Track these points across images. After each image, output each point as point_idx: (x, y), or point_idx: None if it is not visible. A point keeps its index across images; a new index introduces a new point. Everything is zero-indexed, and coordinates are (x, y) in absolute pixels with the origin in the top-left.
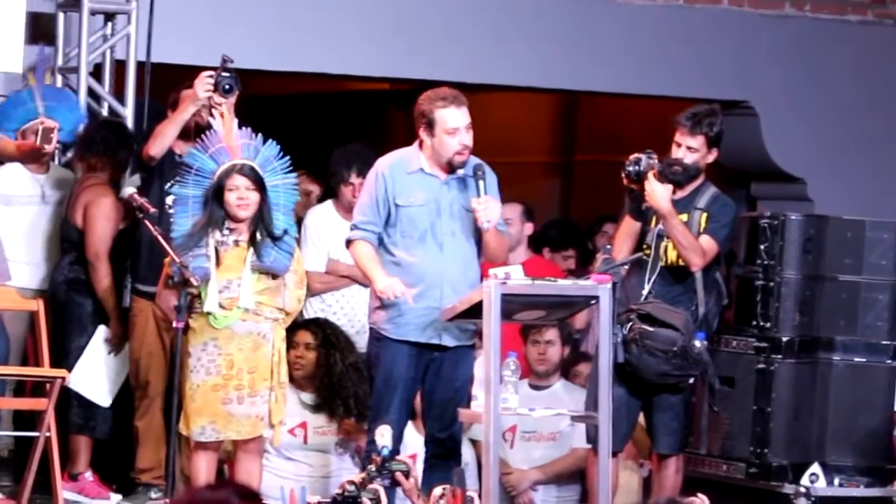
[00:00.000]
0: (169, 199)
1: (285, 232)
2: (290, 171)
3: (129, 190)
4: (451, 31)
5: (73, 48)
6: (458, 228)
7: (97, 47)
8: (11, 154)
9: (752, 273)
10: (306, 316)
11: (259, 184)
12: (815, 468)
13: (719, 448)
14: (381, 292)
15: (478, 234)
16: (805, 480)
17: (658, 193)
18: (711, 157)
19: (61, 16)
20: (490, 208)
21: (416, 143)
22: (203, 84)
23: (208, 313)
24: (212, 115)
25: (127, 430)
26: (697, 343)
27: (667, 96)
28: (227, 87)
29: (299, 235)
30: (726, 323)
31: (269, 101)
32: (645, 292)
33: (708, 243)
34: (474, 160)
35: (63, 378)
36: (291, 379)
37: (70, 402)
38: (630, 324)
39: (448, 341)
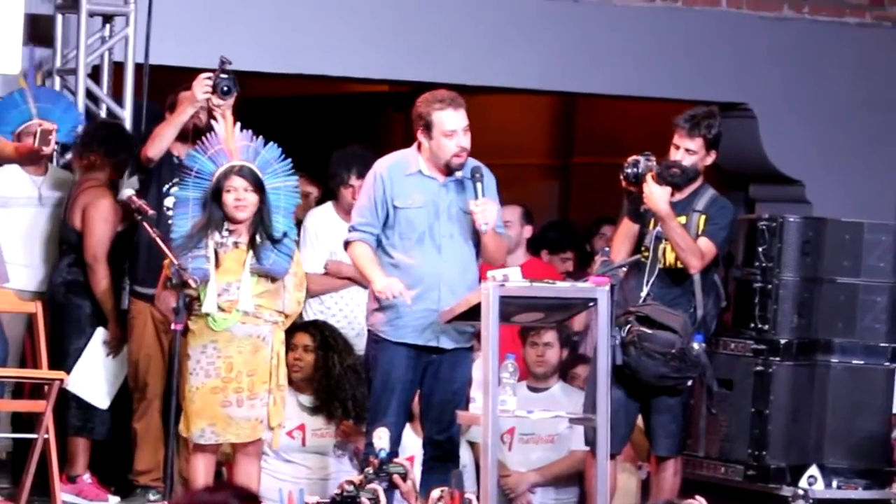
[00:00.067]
0: (169, 202)
1: (285, 235)
2: (292, 174)
3: (127, 192)
4: (450, 34)
5: (71, 50)
6: (457, 230)
7: (95, 49)
8: (10, 156)
9: (751, 275)
10: (306, 318)
11: (258, 185)
12: (814, 470)
13: (717, 450)
14: (379, 292)
15: (476, 237)
16: (803, 483)
17: (656, 196)
18: (710, 160)
19: (59, 17)
20: (488, 210)
21: (414, 146)
22: (201, 86)
23: (207, 315)
24: (212, 117)
25: (125, 431)
26: (696, 345)
27: (665, 98)
28: (225, 88)
29: (298, 237)
30: (724, 325)
31: (267, 103)
32: (643, 294)
33: (706, 245)
34: (472, 162)
35: (61, 380)
36: (290, 381)
37: (68, 403)
38: (628, 326)
39: (446, 343)
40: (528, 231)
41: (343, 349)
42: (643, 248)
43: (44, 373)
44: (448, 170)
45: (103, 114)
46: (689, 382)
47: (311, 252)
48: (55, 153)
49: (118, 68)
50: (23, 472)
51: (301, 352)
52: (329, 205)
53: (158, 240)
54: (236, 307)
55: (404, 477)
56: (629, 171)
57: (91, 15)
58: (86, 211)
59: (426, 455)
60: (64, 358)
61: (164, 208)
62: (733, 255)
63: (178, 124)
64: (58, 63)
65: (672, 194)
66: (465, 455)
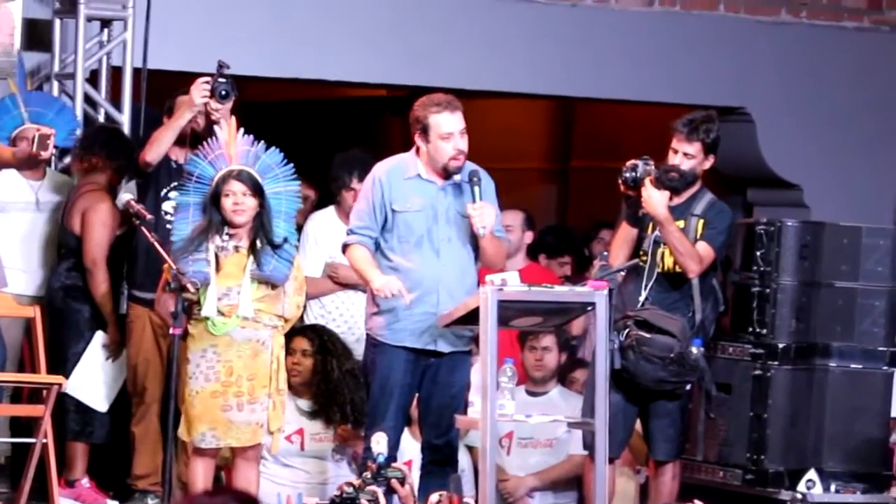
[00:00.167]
0: (169, 206)
1: (285, 240)
2: (294, 179)
3: (125, 196)
4: (448, 38)
5: (69, 54)
6: (455, 234)
7: (93, 54)
8: (7, 161)
9: (749, 279)
10: (307, 321)
11: (257, 190)
12: (812, 474)
13: (716, 454)
14: (377, 290)
15: (475, 241)
16: (802, 487)
17: (655, 200)
18: (708, 164)
19: (58, 22)
20: (485, 214)
21: (412, 149)
22: (199, 90)
23: (206, 319)
24: (211, 122)
25: (124, 436)
26: (694, 349)
27: (663, 103)
28: (223, 92)
29: (299, 242)
30: (723, 329)
31: (265, 107)
32: (642, 299)
33: (704, 250)
34: (470, 166)
35: (60, 384)
36: (288, 385)
37: (67, 408)
38: (627, 330)
39: (444, 347)
40: (529, 237)
41: (341, 353)
42: (641, 253)
43: (42, 377)
44: (446, 173)
45: (101, 118)
46: (688, 386)
47: (309, 255)
48: (53, 157)
49: (116, 73)
50: (21, 476)
51: (299, 356)
52: (331, 209)
53: (157, 244)
54: (236, 312)
55: (402, 481)
56: (627, 175)
57: (89, 19)
58: (85, 215)
59: (424, 459)
60: (63, 362)
61: (162, 213)
62: (731, 259)
63: (176, 129)
64: (56, 68)
65: (670, 198)
66: (463, 459)
